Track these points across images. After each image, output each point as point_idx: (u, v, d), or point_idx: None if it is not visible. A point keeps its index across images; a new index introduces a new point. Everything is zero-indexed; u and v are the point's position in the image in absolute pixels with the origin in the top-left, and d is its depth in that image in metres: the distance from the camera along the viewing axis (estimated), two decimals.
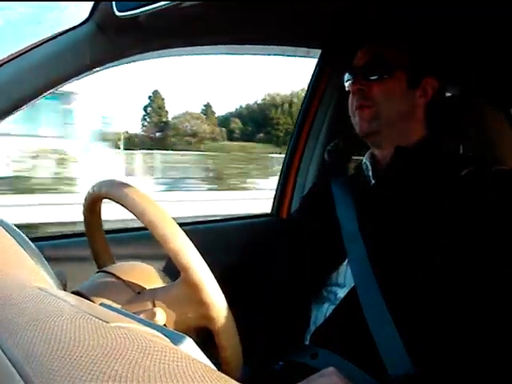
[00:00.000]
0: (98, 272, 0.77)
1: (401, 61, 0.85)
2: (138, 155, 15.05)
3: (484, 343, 0.67)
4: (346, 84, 0.91)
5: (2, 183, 8.54)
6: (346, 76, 0.92)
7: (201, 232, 1.27)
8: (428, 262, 0.73)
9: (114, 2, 0.78)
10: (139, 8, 0.73)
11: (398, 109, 0.85)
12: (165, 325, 0.62)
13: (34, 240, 0.64)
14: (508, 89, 1.12)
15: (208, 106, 30.17)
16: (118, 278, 0.71)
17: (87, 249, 0.85)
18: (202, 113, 29.15)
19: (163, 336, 0.36)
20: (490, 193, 0.74)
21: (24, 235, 0.62)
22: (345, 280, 0.83)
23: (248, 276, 1.08)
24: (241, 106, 32.77)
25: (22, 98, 0.83)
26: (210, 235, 1.26)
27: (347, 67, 0.92)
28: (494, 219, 0.72)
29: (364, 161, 0.93)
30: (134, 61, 0.98)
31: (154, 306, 0.66)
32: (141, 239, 1.10)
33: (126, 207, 0.67)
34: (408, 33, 0.89)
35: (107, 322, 0.32)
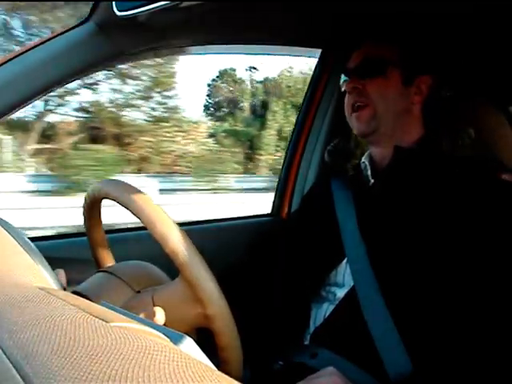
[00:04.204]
0: (97, 272, 0.77)
1: (392, 59, 0.86)
2: None
3: (483, 343, 0.67)
4: (342, 85, 0.92)
5: None
6: (342, 78, 0.92)
7: (200, 232, 1.27)
8: (427, 261, 0.73)
9: (113, 2, 0.78)
10: (139, 8, 0.73)
11: (394, 106, 0.86)
12: (165, 324, 0.61)
13: (33, 240, 0.64)
14: (507, 87, 1.11)
15: None
16: (117, 277, 0.71)
17: (87, 249, 0.85)
18: None
19: (163, 336, 0.36)
20: (490, 193, 0.74)
21: (24, 235, 0.62)
22: (344, 280, 0.83)
23: (248, 276, 1.08)
24: None
25: (22, 98, 0.83)
26: (209, 235, 1.26)
27: (342, 69, 0.93)
28: (493, 221, 0.72)
29: (363, 160, 0.93)
30: (134, 60, 0.98)
31: (154, 304, 0.66)
32: (141, 239, 1.10)
33: (125, 207, 0.67)
34: (400, 31, 0.90)
35: (107, 322, 0.32)
